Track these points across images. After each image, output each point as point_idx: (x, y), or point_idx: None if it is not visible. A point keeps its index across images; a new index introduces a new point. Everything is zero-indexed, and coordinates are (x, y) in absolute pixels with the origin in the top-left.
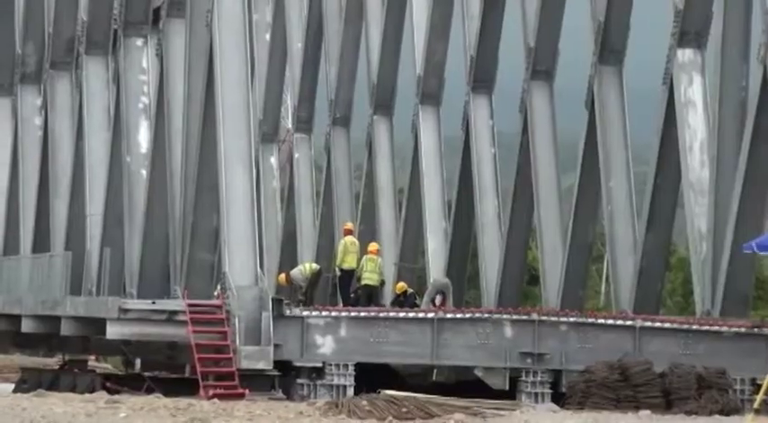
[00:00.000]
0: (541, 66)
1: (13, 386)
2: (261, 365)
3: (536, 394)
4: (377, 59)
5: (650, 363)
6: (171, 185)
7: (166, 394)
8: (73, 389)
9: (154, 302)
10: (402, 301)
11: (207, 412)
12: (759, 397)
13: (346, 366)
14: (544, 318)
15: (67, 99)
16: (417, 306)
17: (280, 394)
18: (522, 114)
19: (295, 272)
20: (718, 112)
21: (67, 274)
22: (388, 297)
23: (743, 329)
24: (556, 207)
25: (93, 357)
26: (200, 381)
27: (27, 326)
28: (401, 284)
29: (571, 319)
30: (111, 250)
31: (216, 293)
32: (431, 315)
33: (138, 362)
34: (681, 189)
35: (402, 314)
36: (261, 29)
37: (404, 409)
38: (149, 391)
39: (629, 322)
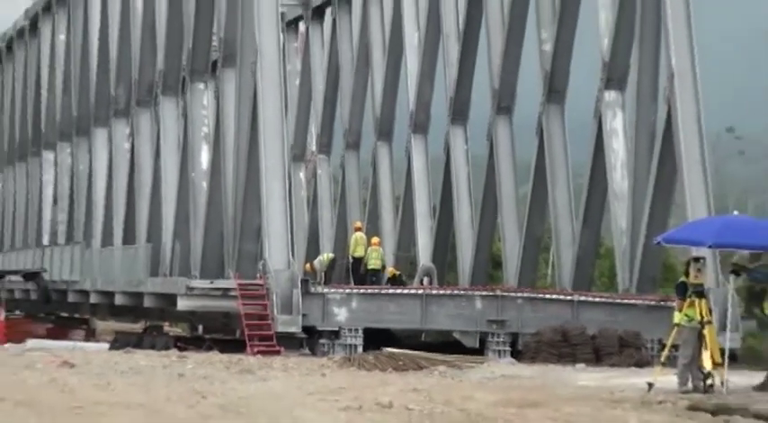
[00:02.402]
0: (504, 103)
1: (108, 345)
2: (292, 330)
3: (499, 351)
4: (380, 98)
5: (584, 327)
6: (225, 194)
7: (222, 351)
8: (152, 347)
9: (212, 282)
10: (394, 281)
11: (252, 365)
12: (664, 353)
13: (357, 330)
14: (505, 293)
15: (149, 129)
16: (404, 283)
17: (306, 351)
18: (489, 140)
19: (316, 262)
20: (635, 138)
21: (148, 261)
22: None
23: (653, 302)
24: (514, 210)
25: (167, 324)
26: (246, 341)
27: (119, 300)
28: (391, 269)
29: (525, 295)
30: (180, 243)
31: (258, 275)
32: (420, 292)
33: (200, 327)
34: (607, 196)
35: (399, 291)
36: (292, 76)
37: (400, 362)
38: (209, 349)
39: (568, 297)
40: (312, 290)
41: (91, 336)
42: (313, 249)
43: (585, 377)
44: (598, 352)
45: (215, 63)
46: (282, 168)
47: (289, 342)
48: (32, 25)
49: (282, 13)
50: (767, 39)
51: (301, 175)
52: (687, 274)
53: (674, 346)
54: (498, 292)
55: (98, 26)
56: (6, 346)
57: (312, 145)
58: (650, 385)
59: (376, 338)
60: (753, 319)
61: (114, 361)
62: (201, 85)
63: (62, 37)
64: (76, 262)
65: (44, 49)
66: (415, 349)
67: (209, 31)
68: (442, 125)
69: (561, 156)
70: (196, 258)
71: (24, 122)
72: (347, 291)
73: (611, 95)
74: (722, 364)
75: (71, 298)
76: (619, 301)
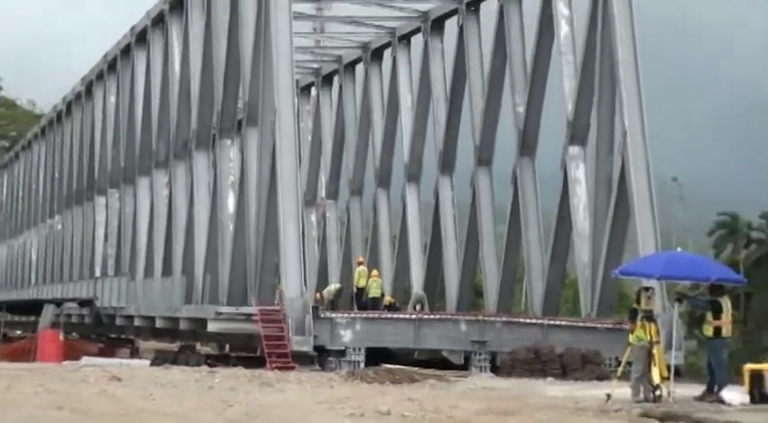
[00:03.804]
0: (484, 157)
1: (149, 362)
2: (305, 349)
3: (481, 367)
4: (379, 152)
5: (553, 347)
6: (248, 233)
7: (245, 367)
8: (187, 363)
9: (237, 308)
10: (389, 308)
11: (271, 378)
12: (620, 369)
13: (360, 349)
14: (486, 318)
15: (184, 178)
16: (399, 310)
17: (317, 367)
18: (472, 188)
19: (325, 291)
20: (594, 186)
21: (183, 290)
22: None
23: (610, 325)
24: (493, 247)
25: (199, 343)
26: (266, 358)
27: (159, 323)
28: (388, 298)
29: (503, 319)
30: (210, 275)
31: (276, 302)
32: (414, 316)
33: (227, 346)
34: (572, 235)
35: (395, 316)
36: (305, 133)
37: (397, 377)
38: (235, 365)
39: (539, 321)
40: (322, 315)
41: (135, 354)
42: (323, 281)
43: (554, 389)
44: (565, 368)
45: (240, 122)
46: (297, 212)
47: (302, 359)
48: (87, 90)
49: (297, 81)
50: (706, 103)
51: (313, 217)
52: (638, 302)
53: (628, 363)
54: (480, 317)
55: (142, 91)
56: (64, 363)
57: (322, 192)
58: (608, 396)
59: (376, 356)
60: (694, 340)
61: (155, 375)
62: (229, 141)
63: (112, 99)
64: (123, 291)
65: (97, 110)
66: (409, 365)
67: (236, 95)
68: (432, 175)
69: (532, 201)
70: (224, 288)
71: (81, 172)
72: (352, 315)
73: (574, 150)
74: (668, 378)
75: (118, 322)
76: (582, 324)
